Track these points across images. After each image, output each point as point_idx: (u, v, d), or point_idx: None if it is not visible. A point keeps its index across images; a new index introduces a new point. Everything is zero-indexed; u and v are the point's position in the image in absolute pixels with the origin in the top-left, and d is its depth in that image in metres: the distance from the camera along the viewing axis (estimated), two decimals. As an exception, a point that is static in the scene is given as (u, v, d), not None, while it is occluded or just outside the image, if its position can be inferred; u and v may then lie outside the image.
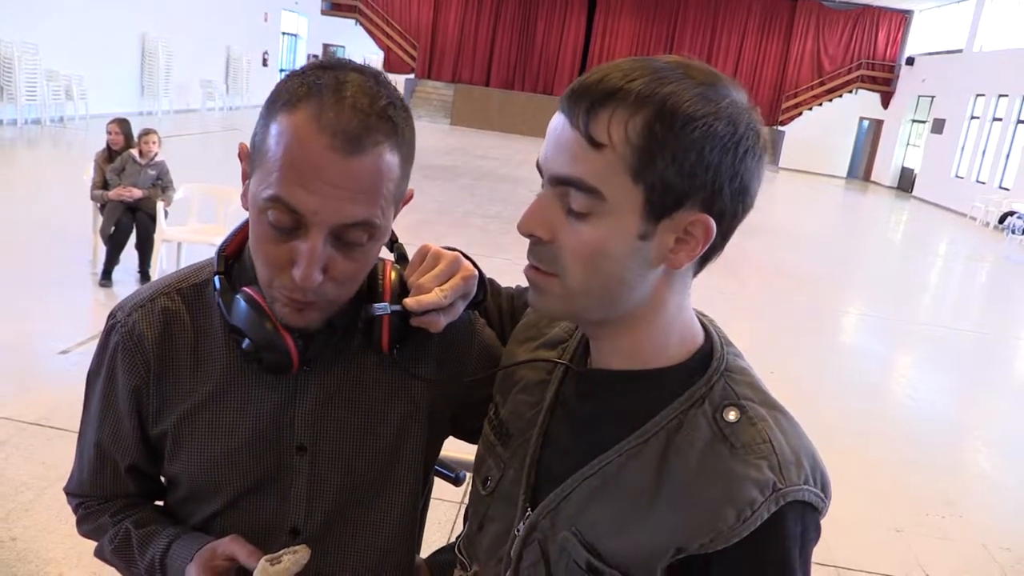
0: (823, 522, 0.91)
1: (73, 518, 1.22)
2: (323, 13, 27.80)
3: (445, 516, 3.05)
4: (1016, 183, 18.81)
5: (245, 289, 1.00)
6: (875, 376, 6.84)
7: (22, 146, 12.99)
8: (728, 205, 0.86)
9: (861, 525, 3.98)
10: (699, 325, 0.97)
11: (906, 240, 15.29)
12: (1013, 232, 15.26)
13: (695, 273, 0.93)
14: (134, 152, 6.16)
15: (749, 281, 8.82)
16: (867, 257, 13.05)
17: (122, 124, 6.41)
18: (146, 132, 6.23)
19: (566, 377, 1.03)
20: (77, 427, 1.17)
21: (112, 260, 6.02)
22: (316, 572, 1.07)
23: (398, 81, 26.61)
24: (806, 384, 5.84)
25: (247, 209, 0.96)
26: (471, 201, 11.51)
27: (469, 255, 1.13)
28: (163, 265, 6.11)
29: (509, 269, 1.35)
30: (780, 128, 26.57)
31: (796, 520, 0.87)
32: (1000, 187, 19.55)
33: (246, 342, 0.98)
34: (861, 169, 27.62)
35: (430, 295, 1.04)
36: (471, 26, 28.10)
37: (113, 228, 5.99)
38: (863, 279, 11.23)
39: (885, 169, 26.61)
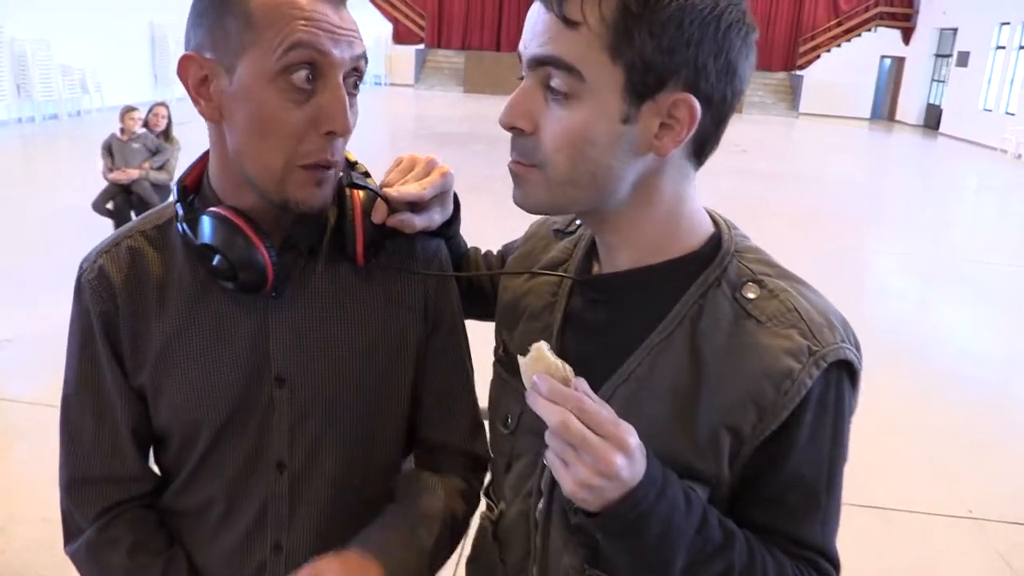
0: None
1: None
2: (329, -13, 27.53)
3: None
4: (1045, 112, 18.42)
5: (213, 208, 0.98)
6: (908, 311, 6.76)
7: (43, 141, 13.08)
8: (715, 86, 0.82)
9: (896, 462, 3.95)
10: (707, 216, 0.95)
11: (934, 177, 14.98)
12: (1044, 162, 14.94)
13: (696, 167, 0.90)
14: (116, 132, 6.23)
15: (771, 224, 8.68)
16: (894, 196, 12.81)
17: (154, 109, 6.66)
18: (128, 110, 6.31)
19: (572, 292, 1.00)
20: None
21: None
22: (305, 510, 1.07)
23: (409, 52, 26.45)
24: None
25: (213, 120, 0.97)
26: (487, 166, 11.39)
27: (478, 217, 1.12)
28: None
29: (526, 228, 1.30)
30: (798, 73, 26.08)
31: (842, 382, 0.86)
32: (1030, 117, 19.15)
33: (217, 259, 0.95)
34: (885, 109, 27.09)
35: (410, 186, 1.04)
36: (478, -10, 27.74)
37: (113, 209, 6.23)
38: (891, 218, 11.02)
39: (910, 107, 26.08)
